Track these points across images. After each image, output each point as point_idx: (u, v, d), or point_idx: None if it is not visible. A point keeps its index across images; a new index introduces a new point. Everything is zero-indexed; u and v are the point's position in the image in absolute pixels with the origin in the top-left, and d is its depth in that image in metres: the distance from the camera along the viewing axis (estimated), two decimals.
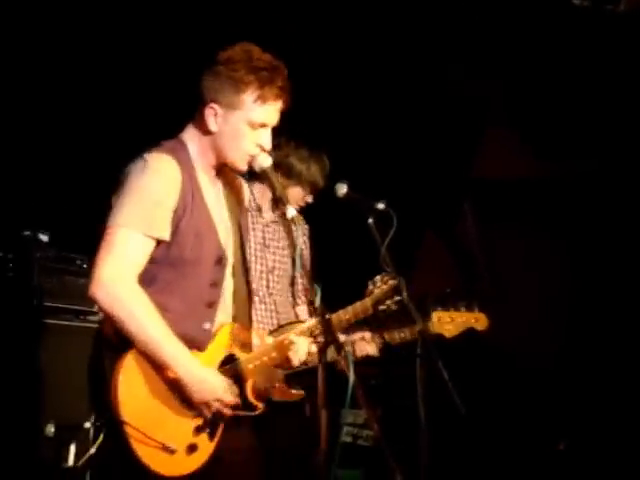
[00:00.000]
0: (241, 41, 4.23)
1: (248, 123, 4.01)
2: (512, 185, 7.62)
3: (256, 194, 5.52)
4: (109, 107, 7.60)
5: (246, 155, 4.02)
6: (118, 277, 3.80)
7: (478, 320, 5.02)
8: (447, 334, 5.02)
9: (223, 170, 4.26)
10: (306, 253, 5.46)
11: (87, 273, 4.63)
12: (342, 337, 4.64)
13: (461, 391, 4.50)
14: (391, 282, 4.46)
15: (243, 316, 4.21)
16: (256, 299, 4.88)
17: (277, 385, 4.55)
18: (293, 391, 4.80)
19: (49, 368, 5.81)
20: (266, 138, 4.05)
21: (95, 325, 5.74)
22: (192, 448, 3.90)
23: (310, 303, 3.97)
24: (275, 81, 4.03)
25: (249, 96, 4.00)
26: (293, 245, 4.27)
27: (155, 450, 3.85)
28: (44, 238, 6.53)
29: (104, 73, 7.70)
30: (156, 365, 3.87)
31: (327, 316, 3.73)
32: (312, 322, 4.26)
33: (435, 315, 5.07)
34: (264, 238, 5.49)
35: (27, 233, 6.56)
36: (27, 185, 7.25)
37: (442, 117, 7.81)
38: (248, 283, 4.31)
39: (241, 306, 4.18)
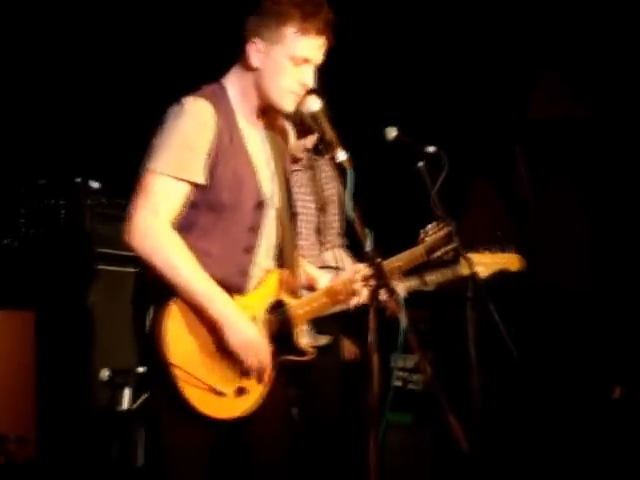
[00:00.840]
0: None
1: (290, 58, 3.92)
2: (560, 125, 7.37)
3: None
4: (156, 51, 7.59)
5: (289, 93, 3.94)
6: (152, 224, 3.81)
7: (511, 261, 4.98)
8: (482, 274, 4.90)
9: (268, 114, 4.17)
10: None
11: None
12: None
13: (513, 333, 4.48)
14: (445, 229, 4.27)
15: (290, 261, 4.17)
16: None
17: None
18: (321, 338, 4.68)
19: (103, 314, 5.87)
20: (309, 76, 3.95)
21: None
22: (241, 391, 3.90)
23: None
24: (318, 15, 3.93)
25: (291, 28, 3.91)
26: (338, 189, 4.23)
27: (203, 392, 3.85)
28: (95, 185, 6.54)
29: (150, 16, 7.70)
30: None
31: (378, 260, 3.67)
32: (363, 267, 4.10)
33: (474, 257, 4.91)
34: None
35: (78, 180, 6.52)
36: (77, 133, 7.21)
37: (494, 59, 7.49)
38: (295, 228, 4.30)
39: (288, 251, 4.13)
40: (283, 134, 4.34)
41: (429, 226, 4.31)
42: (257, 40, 3.95)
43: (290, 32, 3.91)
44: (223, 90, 4.04)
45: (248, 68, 3.95)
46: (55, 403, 5.80)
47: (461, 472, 4.98)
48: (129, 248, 3.82)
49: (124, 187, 6.21)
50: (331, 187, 5.79)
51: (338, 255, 5.37)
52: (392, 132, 4.72)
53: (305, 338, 4.17)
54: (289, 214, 4.22)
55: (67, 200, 6.36)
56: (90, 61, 7.69)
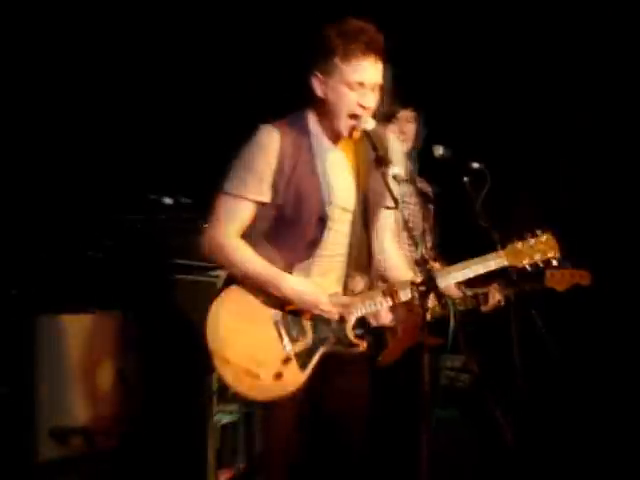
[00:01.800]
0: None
1: (345, 84, 4.13)
2: None
3: None
4: (240, 77, 7.29)
5: (349, 117, 4.16)
6: (221, 241, 4.21)
7: (583, 277, 5.09)
8: (559, 288, 5.13)
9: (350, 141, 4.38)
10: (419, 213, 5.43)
11: None
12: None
13: (555, 336, 4.74)
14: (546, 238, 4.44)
15: (362, 265, 4.37)
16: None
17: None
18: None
19: (177, 314, 5.98)
20: (367, 97, 4.16)
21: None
22: (278, 376, 4.12)
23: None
24: (359, 40, 4.14)
25: (338, 57, 4.12)
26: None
27: (244, 378, 4.14)
28: (168, 201, 6.58)
29: (245, 44, 7.45)
30: (251, 303, 4.21)
31: (429, 266, 3.82)
32: (416, 272, 4.25)
33: (548, 272, 5.17)
34: None
35: (153, 197, 6.61)
36: (154, 152, 7.15)
37: (536, 77, 7.18)
38: (368, 236, 4.39)
39: (361, 257, 4.34)
40: (368, 150, 4.40)
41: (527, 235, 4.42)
42: (317, 73, 4.20)
43: (338, 61, 4.13)
44: (303, 117, 4.33)
45: (318, 99, 4.21)
46: (140, 397, 5.91)
47: (505, 465, 5.10)
48: (206, 260, 4.34)
49: (194, 203, 6.57)
50: None
51: None
52: (439, 149, 4.91)
53: (354, 331, 4.29)
54: (364, 222, 4.38)
55: (143, 215, 6.48)
56: (166, 78, 7.50)
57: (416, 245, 4.24)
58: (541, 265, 4.42)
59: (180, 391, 4.93)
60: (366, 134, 4.17)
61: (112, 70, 7.39)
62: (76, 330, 5.86)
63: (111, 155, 6.90)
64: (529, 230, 4.39)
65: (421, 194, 5.41)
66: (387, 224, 4.57)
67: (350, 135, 4.24)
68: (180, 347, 5.45)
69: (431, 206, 5.56)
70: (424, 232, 4.63)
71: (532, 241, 4.42)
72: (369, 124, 4.17)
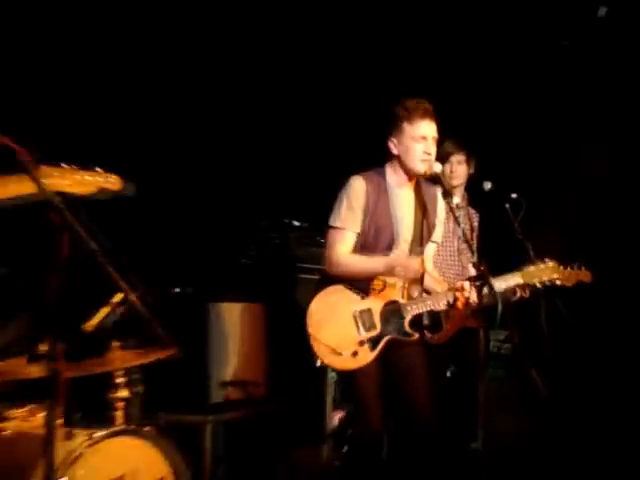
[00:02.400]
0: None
1: (412, 139, 4.37)
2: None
3: None
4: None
5: (420, 161, 4.36)
6: (336, 260, 4.42)
7: (586, 276, 4.82)
8: (568, 284, 4.77)
9: (415, 181, 4.55)
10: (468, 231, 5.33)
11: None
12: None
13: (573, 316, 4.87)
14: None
15: (416, 279, 4.51)
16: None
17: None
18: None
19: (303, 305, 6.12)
20: (428, 147, 4.37)
21: None
22: (355, 354, 4.34)
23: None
24: (419, 107, 4.39)
25: (406, 122, 4.36)
26: (457, 224, 4.62)
27: (330, 354, 4.36)
28: (296, 224, 6.64)
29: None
30: (338, 302, 4.41)
31: (482, 267, 4.00)
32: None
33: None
34: None
35: (286, 220, 6.68)
36: (289, 191, 6.89)
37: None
38: (421, 255, 4.51)
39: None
40: (432, 196, 4.61)
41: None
42: (392, 138, 4.45)
43: (406, 125, 4.37)
44: (382, 171, 4.55)
45: (393, 156, 4.44)
46: (278, 361, 6.15)
47: (539, 413, 5.10)
48: (328, 273, 4.50)
49: (311, 225, 6.64)
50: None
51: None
52: (488, 185, 4.93)
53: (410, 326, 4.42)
54: (418, 246, 4.53)
55: (279, 233, 6.61)
56: (289, 117, 6.98)
57: (472, 253, 4.48)
58: (548, 284, 4.50)
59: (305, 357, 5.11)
60: (435, 175, 4.36)
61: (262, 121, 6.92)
62: (232, 314, 6.05)
63: (260, 190, 6.83)
64: (541, 257, 4.47)
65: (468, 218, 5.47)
66: (430, 254, 4.69)
67: (424, 175, 4.43)
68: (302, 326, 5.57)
69: (476, 225, 5.52)
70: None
71: (542, 266, 4.49)
72: (437, 167, 4.36)
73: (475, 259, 4.26)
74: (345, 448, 5.62)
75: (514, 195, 4.74)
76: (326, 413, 5.85)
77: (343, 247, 4.44)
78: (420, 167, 4.38)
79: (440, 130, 4.47)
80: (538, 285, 4.45)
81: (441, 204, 4.60)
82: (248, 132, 6.83)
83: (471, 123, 6.24)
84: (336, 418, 5.90)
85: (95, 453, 3.49)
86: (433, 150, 4.41)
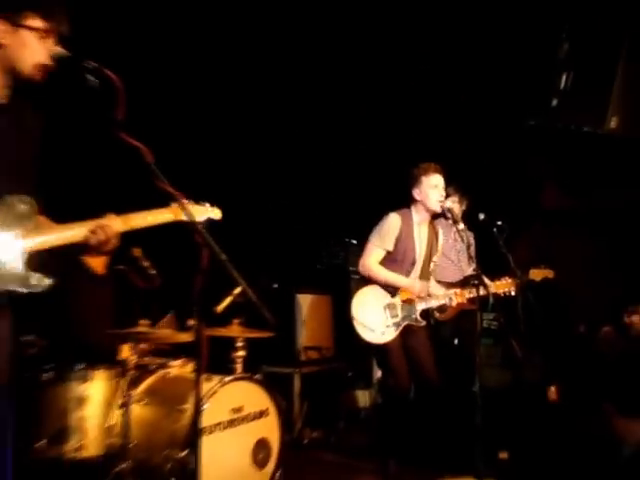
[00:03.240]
0: None
1: (429, 187, 4.36)
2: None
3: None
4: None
5: (436, 202, 4.35)
6: (368, 267, 4.41)
7: (549, 273, 4.87)
8: (537, 279, 4.88)
9: (432, 222, 4.54)
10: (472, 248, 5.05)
11: None
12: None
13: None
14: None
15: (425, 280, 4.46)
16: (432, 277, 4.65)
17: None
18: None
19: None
20: (442, 192, 4.37)
21: None
22: (383, 333, 4.30)
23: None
24: (431, 166, 4.38)
25: (423, 176, 4.37)
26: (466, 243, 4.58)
27: (366, 331, 4.32)
28: (353, 241, 6.49)
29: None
30: (372, 297, 4.37)
31: (478, 271, 4.00)
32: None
33: (531, 272, 4.88)
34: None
35: (346, 239, 6.56)
36: (347, 215, 6.57)
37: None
38: (428, 267, 4.51)
39: (426, 277, 4.50)
40: (435, 230, 4.58)
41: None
42: (414, 188, 4.42)
43: (424, 179, 4.37)
44: (409, 211, 4.50)
45: (416, 200, 4.40)
46: (341, 333, 6.01)
47: (516, 368, 5.00)
48: (361, 274, 4.48)
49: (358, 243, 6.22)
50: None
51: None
52: (481, 215, 4.52)
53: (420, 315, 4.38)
54: (428, 265, 4.51)
55: (341, 248, 6.54)
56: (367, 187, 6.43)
57: (473, 262, 4.47)
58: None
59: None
60: (448, 209, 4.31)
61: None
62: (310, 302, 5.98)
63: (329, 218, 6.65)
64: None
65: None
66: (433, 269, 4.60)
67: (440, 209, 4.35)
68: None
69: (472, 242, 5.23)
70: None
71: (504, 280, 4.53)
72: (448, 203, 4.34)
73: (474, 266, 4.21)
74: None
75: (499, 222, 4.55)
76: (372, 369, 5.99)
77: (373, 258, 4.44)
78: (437, 207, 4.37)
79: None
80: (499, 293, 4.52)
81: (440, 235, 4.60)
82: (320, 173, 6.55)
83: (468, 174, 5.89)
84: (379, 372, 5.98)
85: (225, 390, 3.59)
86: (443, 194, 4.40)
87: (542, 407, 4.87)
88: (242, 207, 5.39)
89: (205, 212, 2.88)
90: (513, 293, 4.61)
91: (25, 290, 2.25)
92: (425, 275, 4.51)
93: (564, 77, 5.15)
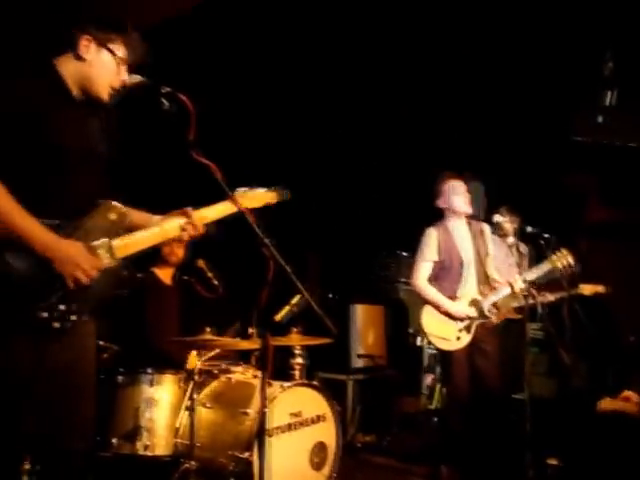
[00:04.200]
0: None
1: (450, 193, 4.36)
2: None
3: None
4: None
5: (462, 203, 4.34)
6: (417, 283, 4.40)
7: (602, 288, 4.82)
8: (587, 294, 4.84)
9: (470, 223, 4.43)
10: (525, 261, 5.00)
11: None
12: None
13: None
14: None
15: (483, 279, 4.37)
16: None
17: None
18: None
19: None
20: (465, 195, 4.37)
21: None
22: (459, 338, 4.26)
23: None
24: (451, 176, 4.41)
25: (443, 185, 4.38)
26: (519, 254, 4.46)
27: (442, 341, 4.30)
28: (405, 254, 6.44)
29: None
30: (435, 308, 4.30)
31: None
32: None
33: (581, 287, 4.85)
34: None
35: (398, 251, 6.53)
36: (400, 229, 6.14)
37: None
38: (483, 265, 4.38)
39: (483, 275, 4.38)
40: (482, 231, 4.47)
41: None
42: (438, 199, 4.40)
43: (444, 187, 4.38)
44: (443, 220, 4.46)
45: (444, 209, 4.41)
46: (392, 341, 6.10)
47: (567, 376, 4.97)
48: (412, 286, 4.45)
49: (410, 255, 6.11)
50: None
51: None
52: (529, 229, 4.27)
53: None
54: (482, 265, 4.39)
55: (393, 260, 6.50)
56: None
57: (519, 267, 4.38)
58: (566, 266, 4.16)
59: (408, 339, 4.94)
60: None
61: None
62: (364, 312, 5.94)
63: (383, 232, 6.50)
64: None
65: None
66: (491, 265, 4.46)
67: (468, 209, 4.37)
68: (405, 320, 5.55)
69: (523, 251, 5.17)
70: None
71: (559, 253, 4.16)
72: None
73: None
74: (436, 400, 5.59)
75: (547, 235, 4.55)
76: (422, 375, 5.94)
77: (422, 275, 4.41)
78: (463, 207, 4.37)
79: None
80: (560, 267, 4.14)
81: (488, 233, 4.47)
82: (373, 186, 6.47)
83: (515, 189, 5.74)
84: (429, 378, 5.94)
85: (284, 396, 3.60)
86: (467, 196, 4.38)
87: (590, 414, 4.76)
88: (298, 219, 5.44)
89: (263, 197, 2.80)
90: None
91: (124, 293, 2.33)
92: (483, 276, 4.40)
93: (609, 94, 5.10)
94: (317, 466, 3.75)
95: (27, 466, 2.81)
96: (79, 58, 2.27)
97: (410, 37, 4.83)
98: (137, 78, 2.38)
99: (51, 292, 2.10)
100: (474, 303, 4.32)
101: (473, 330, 4.27)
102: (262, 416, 2.25)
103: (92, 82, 2.30)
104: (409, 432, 5.48)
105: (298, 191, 5.80)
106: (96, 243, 2.20)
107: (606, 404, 4.37)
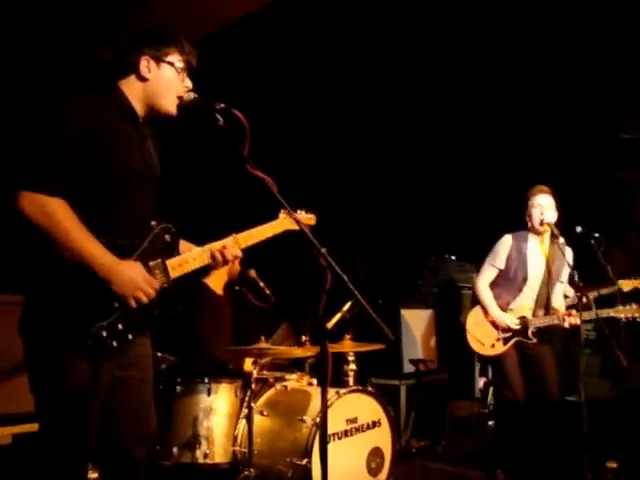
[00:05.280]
0: None
1: (533, 207, 4.25)
2: None
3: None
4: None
5: (537, 220, 4.21)
6: (477, 285, 4.41)
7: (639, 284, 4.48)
8: (625, 288, 4.42)
9: (555, 243, 4.19)
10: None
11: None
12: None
13: None
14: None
15: (542, 300, 4.30)
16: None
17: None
18: None
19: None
20: (541, 211, 4.22)
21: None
22: (493, 346, 4.28)
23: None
24: (539, 189, 4.29)
25: (530, 198, 4.28)
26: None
27: (477, 343, 4.35)
28: (453, 257, 6.44)
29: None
30: (485, 314, 4.32)
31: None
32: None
33: (620, 282, 4.42)
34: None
35: (446, 256, 6.43)
36: (448, 235, 6.47)
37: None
38: (548, 292, 4.30)
39: (543, 297, 4.30)
40: (555, 246, 4.27)
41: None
42: (526, 211, 4.29)
43: (530, 200, 4.28)
44: (525, 233, 4.35)
45: (527, 222, 4.29)
46: (444, 346, 6.00)
47: (622, 377, 4.91)
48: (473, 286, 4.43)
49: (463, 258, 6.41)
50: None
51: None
52: (579, 228, 4.31)
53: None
54: (546, 288, 4.27)
55: (442, 264, 6.41)
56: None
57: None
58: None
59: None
60: (547, 224, 4.16)
61: None
62: (415, 316, 5.87)
63: (432, 238, 6.55)
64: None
65: None
66: (560, 290, 4.40)
67: (540, 227, 4.22)
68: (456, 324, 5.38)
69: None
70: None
71: (628, 307, 4.16)
72: (547, 218, 4.19)
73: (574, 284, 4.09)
74: (490, 402, 5.54)
75: (596, 234, 4.45)
76: (475, 378, 5.91)
77: (485, 277, 4.41)
78: (537, 225, 4.25)
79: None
80: (622, 318, 4.11)
81: (568, 255, 4.26)
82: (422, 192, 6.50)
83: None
84: (481, 382, 5.90)
85: (340, 402, 3.63)
86: (543, 213, 4.24)
87: None
88: (346, 224, 5.51)
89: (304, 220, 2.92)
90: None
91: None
92: (544, 298, 4.33)
93: None
94: (374, 472, 3.77)
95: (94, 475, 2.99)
96: (142, 79, 2.35)
97: (453, 43, 4.88)
98: (191, 96, 2.43)
99: (111, 312, 2.18)
100: (522, 320, 4.30)
101: (510, 344, 4.28)
102: (323, 422, 2.27)
103: (160, 98, 2.38)
104: (463, 436, 5.48)
105: (345, 196, 6.03)
106: (152, 263, 2.29)
107: None
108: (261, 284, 4.18)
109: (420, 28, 4.74)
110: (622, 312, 4.08)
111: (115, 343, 2.17)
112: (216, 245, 2.48)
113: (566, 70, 4.93)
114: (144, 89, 2.36)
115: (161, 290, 2.29)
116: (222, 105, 2.34)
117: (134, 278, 2.18)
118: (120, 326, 2.19)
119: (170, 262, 2.35)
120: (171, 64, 2.37)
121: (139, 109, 2.38)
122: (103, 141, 2.19)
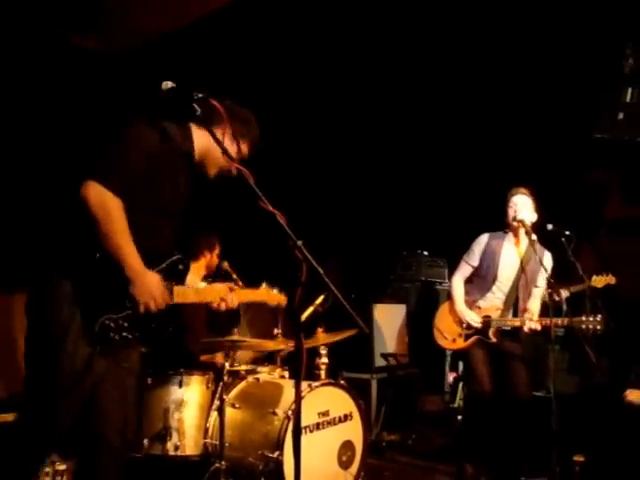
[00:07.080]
0: None
1: (509, 207, 4.27)
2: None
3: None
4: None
5: (511, 218, 4.24)
6: (452, 279, 4.50)
7: (611, 279, 4.80)
8: (599, 286, 4.80)
9: (533, 246, 4.16)
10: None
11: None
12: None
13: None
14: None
15: (511, 302, 4.30)
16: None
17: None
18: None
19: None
20: (515, 209, 4.25)
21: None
22: (454, 340, 4.39)
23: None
24: (516, 190, 4.32)
25: (508, 198, 4.29)
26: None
27: (440, 337, 4.48)
28: (425, 253, 6.42)
29: None
30: (450, 310, 4.45)
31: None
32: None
33: (593, 279, 4.80)
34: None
35: (418, 251, 6.46)
36: (420, 230, 6.46)
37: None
38: (519, 289, 4.27)
39: (512, 298, 4.30)
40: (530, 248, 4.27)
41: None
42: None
43: (509, 200, 4.29)
44: (505, 232, 4.38)
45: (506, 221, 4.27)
46: (415, 340, 5.96)
47: (589, 372, 4.96)
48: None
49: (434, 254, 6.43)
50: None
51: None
52: (550, 226, 4.30)
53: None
54: (515, 288, 4.27)
55: (414, 259, 6.44)
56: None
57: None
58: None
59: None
60: (520, 221, 4.15)
61: None
62: (385, 311, 5.85)
63: (403, 233, 6.55)
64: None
65: None
66: (538, 294, 4.36)
67: (514, 224, 4.22)
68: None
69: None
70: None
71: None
72: (521, 216, 4.18)
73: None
74: (459, 398, 5.59)
75: (567, 232, 4.51)
76: (445, 373, 5.95)
77: (460, 273, 4.48)
78: (512, 223, 4.26)
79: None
80: (584, 328, 4.04)
81: (546, 259, 4.26)
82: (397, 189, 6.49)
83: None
84: (451, 377, 5.96)
85: (312, 395, 3.65)
86: (516, 210, 4.24)
87: (615, 410, 4.74)
88: (318, 220, 5.46)
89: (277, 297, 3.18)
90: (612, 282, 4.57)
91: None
92: (511, 300, 4.33)
93: (630, 91, 5.10)
94: (345, 465, 3.78)
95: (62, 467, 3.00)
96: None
97: (433, 42, 4.92)
98: (168, 85, 2.45)
99: (122, 309, 2.43)
100: (485, 319, 4.32)
101: (470, 341, 4.34)
102: (297, 416, 2.28)
103: (213, 160, 2.69)
104: (433, 430, 5.51)
105: (317, 191, 6.01)
106: (164, 283, 2.56)
107: (633, 396, 4.32)
108: (234, 276, 4.23)
109: (395, 28, 4.78)
110: (584, 323, 4.01)
111: (117, 337, 2.39)
112: (216, 297, 2.79)
113: (540, 69, 4.98)
114: (209, 145, 2.61)
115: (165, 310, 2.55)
116: (200, 95, 2.45)
117: (152, 287, 2.45)
118: (125, 324, 2.42)
119: (177, 288, 2.62)
120: (239, 147, 2.69)
121: (196, 154, 2.67)
122: (159, 170, 2.49)
